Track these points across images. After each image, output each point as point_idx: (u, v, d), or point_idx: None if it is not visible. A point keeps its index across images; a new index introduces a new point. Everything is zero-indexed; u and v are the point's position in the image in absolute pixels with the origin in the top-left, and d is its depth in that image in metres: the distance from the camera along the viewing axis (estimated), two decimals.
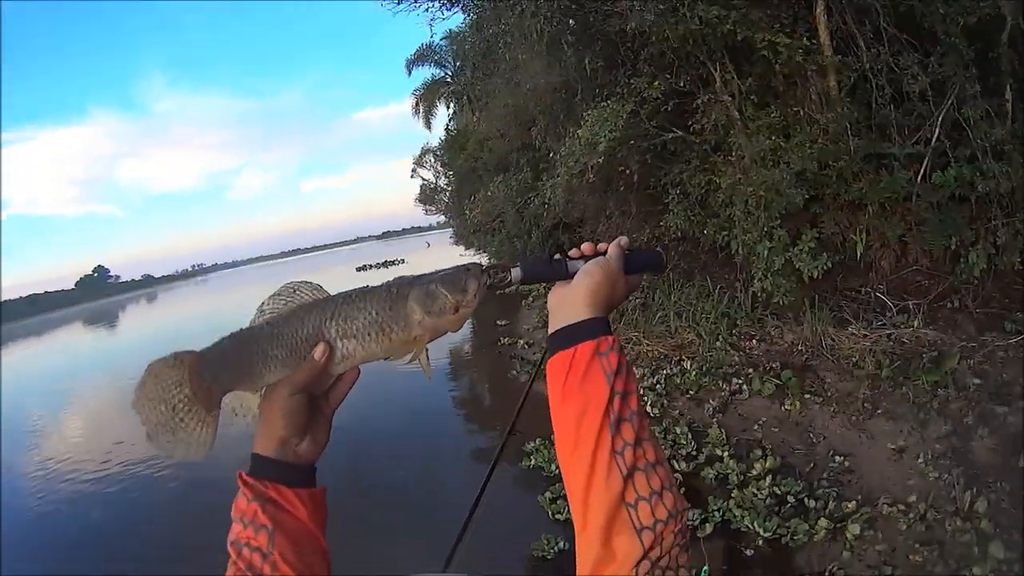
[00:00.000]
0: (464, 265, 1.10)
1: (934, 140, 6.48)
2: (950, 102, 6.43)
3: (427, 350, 1.08)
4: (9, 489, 9.52)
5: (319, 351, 1.02)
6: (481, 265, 1.11)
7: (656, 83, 7.91)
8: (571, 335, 1.02)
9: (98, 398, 16.55)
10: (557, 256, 1.13)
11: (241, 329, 1.03)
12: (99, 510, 8.04)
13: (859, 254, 7.09)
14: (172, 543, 6.41)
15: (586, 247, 1.15)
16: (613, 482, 0.89)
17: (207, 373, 0.99)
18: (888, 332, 6.22)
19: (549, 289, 1.14)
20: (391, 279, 1.09)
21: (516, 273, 1.11)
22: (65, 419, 14.60)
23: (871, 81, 7.05)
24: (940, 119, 6.44)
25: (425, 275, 1.09)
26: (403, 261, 52.50)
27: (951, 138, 6.59)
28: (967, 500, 3.98)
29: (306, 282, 1.09)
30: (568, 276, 1.10)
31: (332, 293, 1.07)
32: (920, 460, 4.57)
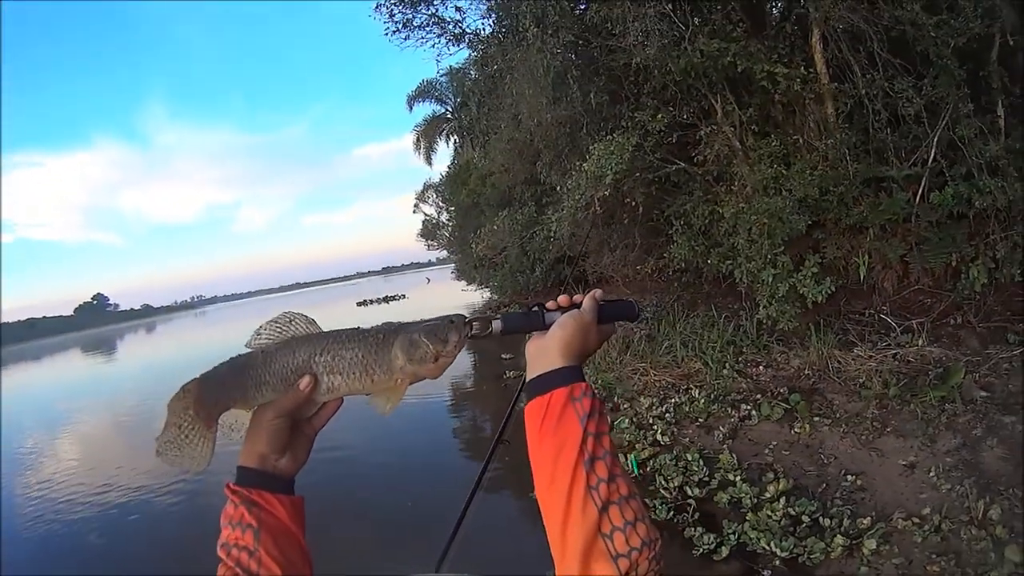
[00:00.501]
0: (448, 316, 1.18)
1: (930, 160, 6.60)
2: (944, 122, 6.55)
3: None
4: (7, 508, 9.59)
5: (304, 382, 1.12)
6: (464, 317, 1.19)
7: (659, 116, 8.09)
8: (547, 382, 1.10)
9: (96, 424, 16.32)
10: (535, 308, 1.20)
11: (238, 355, 1.13)
12: (97, 532, 8.02)
13: (862, 277, 7.17)
14: (170, 562, 6.47)
15: (562, 299, 1.23)
16: (589, 514, 0.94)
17: (207, 395, 1.10)
18: (893, 352, 6.25)
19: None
20: (379, 324, 1.17)
21: (497, 324, 1.19)
22: (62, 443, 14.36)
23: (867, 106, 7.19)
24: (935, 139, 6.57)
25: (411, 324, 1.17)
26: (404, 296, 52.17)
27: (947, 157, 6.71)
28: (980, 509, 3.98)
29: (301, 314, 1.16)
30: (545, 327, 1.18)
31: (329, 327, 1.17)
32: (931, 474, 4.57)
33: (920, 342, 6.18)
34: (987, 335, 5.91)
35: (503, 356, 12.76)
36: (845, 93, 7.29)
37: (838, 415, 5.91)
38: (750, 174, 7.59)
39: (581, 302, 1.21)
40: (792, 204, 6.79)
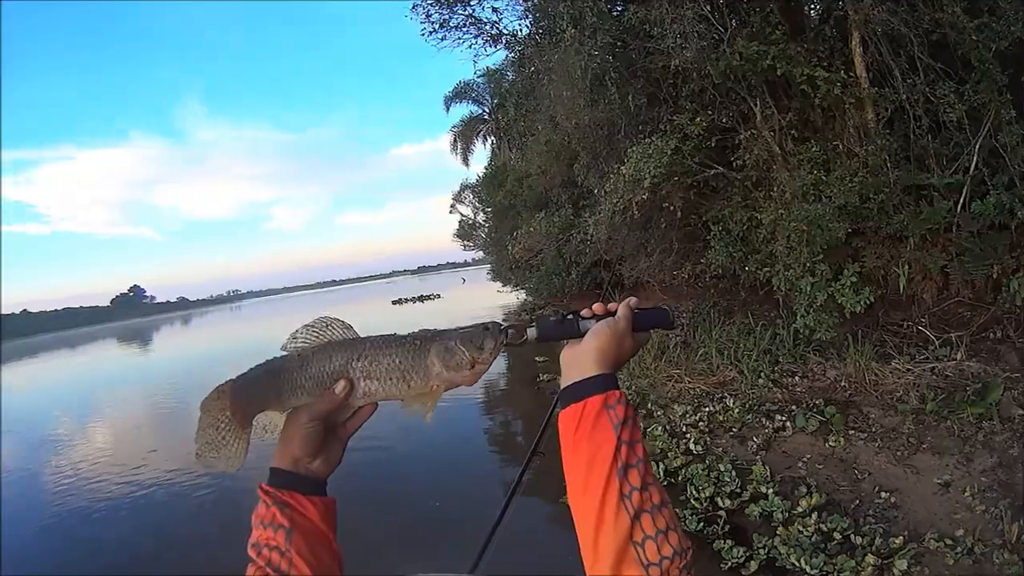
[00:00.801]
0: (483, 324, 1.19)
1: (972, 168, 6.45)
2: (987, 129, 6.40)
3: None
4: (36, 494, 9.86)
5: (340, 386, 1.13)
6: (500, 324, 1.20)
7: (698, 119, 8.03)
8: (581, 390, 1.11)
9: (131, 411, 16.67)
10: (570, 316, 1.21)
11: (274, 358, 1.14)
12: (129, 515, 8.23)
13: (901, 287, 7.04)
14: (201, 548, 6.57)
15: (596, 307, 1.23)
16: (621, 523, 0.95)
17: (242, 397, 1.11)
18: (931, 366, 6.14)
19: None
20: (416, 331, 1.19)
21: (532, 332, 1.20)
22: (95, 429, 14.77)
23: (908, 112, 7.05)
24: (977, 147, 6.42)
25: (447, 331, 1.19)
26: (439, 296, 52.40)
27: (989, 165, 6.56)
28: (1015, 532, 3.91)
29: (338, 319, 1.17)
30: (579, 335, 1.19)
31: (365, 324, 1.19)
32: (967, 494, 4.50)
33: (959, 356, 6.05)
34: None
35: (537, 359, 12.82)
36: (886, 98, 7.14)
37: (874, 429, 5.83)
38: (789, 180, 7.50)
39: (616, 310, 1.22)
40: (832, 211, 6.69)
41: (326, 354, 1.13)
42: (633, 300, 1.25)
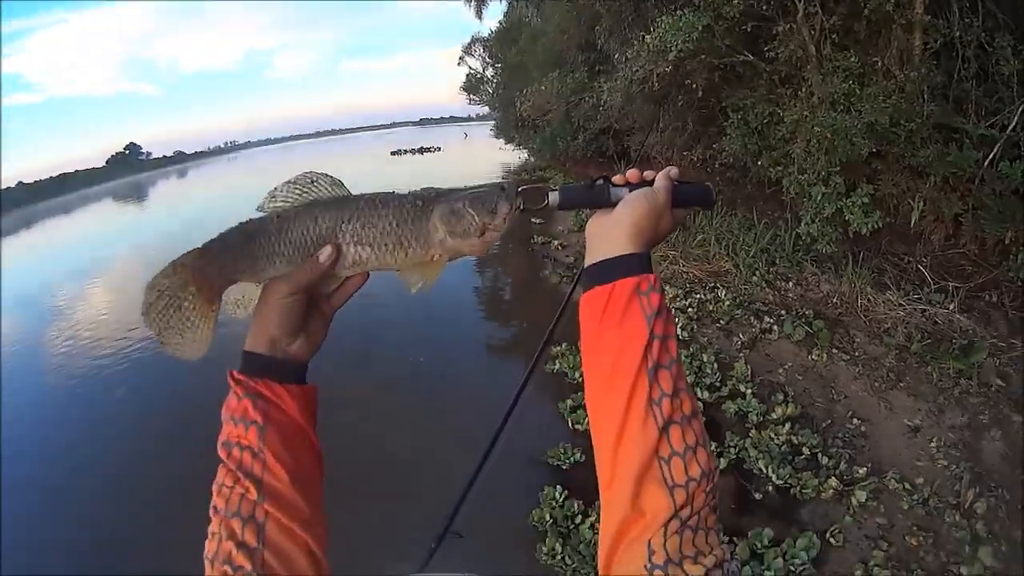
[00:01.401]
0: (498, 183, 1.07)
1: (1011, 128, 6.45)
2: None
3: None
4: (34, 362, 10.21)
5: (325, 254, 1.00)
6: (516, 185, 1.08)
7: (735, 1, 7.69)
8: (610, 269, 0.99)
9: (124, 270, 17.11)
10: (599, 181, 1.08)
11: (249, 220, 1.02)
12: (123, 382, 8.49)
13: (912, 222, 7.21)
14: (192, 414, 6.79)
15: (631, 174, 1.10)
16: (648, 434, 0.86)
17: (210, 268, 1.00)
18: (923, 308, 6.39)
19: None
20: (418, 189, 1.06)
21: (553, 197, 1.09)
22: (90, 292, 15.09)
23: (958, 51, 6.92)
24: (1021, 109, 6.41)
25: (455, 190, 1.06)
26: (439, 148, 51.21)
27: None
28: (969, 498, 4.22)
29: (325, 174, 1.04)
30: (610, 204, 1.08)
31: (362, 176, 1.04)
32: (932, 444, 4.81)
33: (951, 307, 6.29)
34: (1018, 324, 6.01)
35: (533, 220, 12.82)
36: (937, 30, 6.95)
37: (857, 354, 6.13)
38: (820, 84, 7.43)
39: (652, 179, 1.10)
40: (860, 126, 6.69)
41: (310, 215, 1.01)
42: (674, 171, 1.12)
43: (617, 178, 1.09)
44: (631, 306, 0.93)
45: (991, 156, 6.51)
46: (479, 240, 1.04)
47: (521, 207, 1.07)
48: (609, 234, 1.03)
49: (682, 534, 0.81)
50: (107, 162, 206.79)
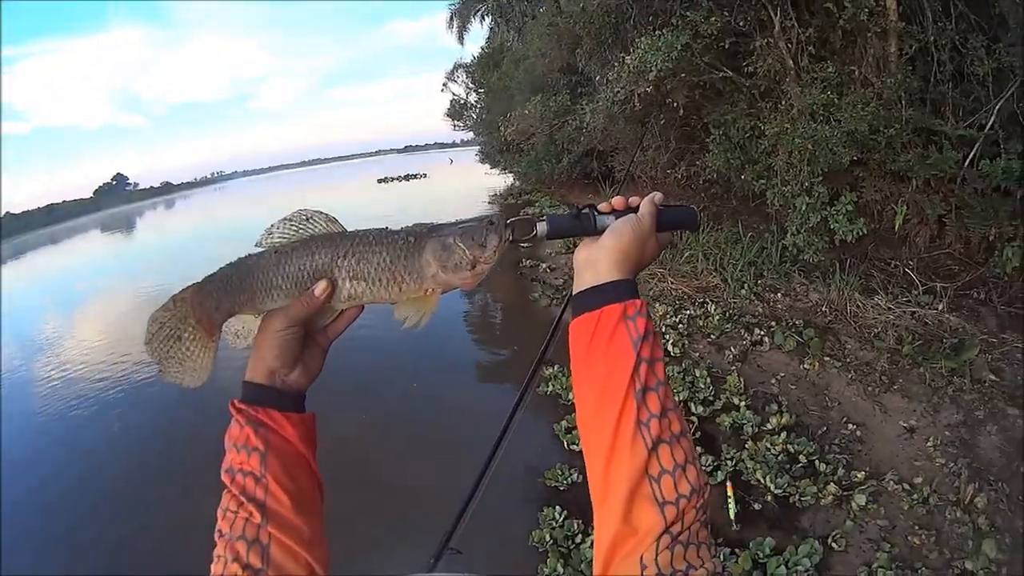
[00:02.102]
0: (487, 217, 1.09)
1: (988, 127, 6.49)
2: (1010, 92, 6.43)
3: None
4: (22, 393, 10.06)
5: (320, 288, 1.03)
6: (505, 218, 1.09)
7: (713, 19, 7.80)
8: (597, 297, 1.01)
9: (113, 299, 17.01)
10: (585, 210, 1.10)
11: (247, 255, 1.05)
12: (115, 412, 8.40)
13: (896, 226, 7.22)
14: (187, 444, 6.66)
15: (616, 201, 1.12)
16: (637, 454, 0.88)
17: (209, 300, 1.03)
18: (912, 310, 6.39)
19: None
20: (409, 225, 1.07)
21: (542, 228, 1.10)
22: (78, 322, 14.94)
23: (933, 55, 7.00)
24: (997, 107, 6.45)
25: (445, 224, 1.08)
26: (425, 175, 51.46)
27: (1005, 128, 6.55)
28: (969, 493, 4.20)
29: (320, 212, 1.06)
30: (596, 232, 1.09)
31: (350, 203, 1.13)
32: (929, 443, 4.79)
33: (940, 307, 6.29)
34: (1007, 319, 6.02)
35: (522, 244, 12.76)
36: (912, 35, 7.05)
37: (849, 360, 6.11)
38: (799, 96, 7.49)
39: (637, 206, 1.11)
40: (839, 135, 6.73)
41: (306, 251, 1.03)
42: (658, 196, 1.13)
43: (603, 206, 1.11)
44: (618, 332, 0.95)
45: (971, 156, 6.55)
46: (470, 273, 1.06)
47: (510, 239, 1.09)
48: (596, 262, 1.05)
49: (673, 549, 0.84)
50: (94, 193, 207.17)
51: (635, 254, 1.06)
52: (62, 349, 12.41)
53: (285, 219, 1.05)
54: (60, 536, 5.73)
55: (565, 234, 1.10)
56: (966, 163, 6.57)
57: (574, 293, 1.05)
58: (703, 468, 0.98)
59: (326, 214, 1.05)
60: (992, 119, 6.45)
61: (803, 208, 7.14)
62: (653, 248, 1.10)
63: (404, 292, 1.05)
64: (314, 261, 1.02)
